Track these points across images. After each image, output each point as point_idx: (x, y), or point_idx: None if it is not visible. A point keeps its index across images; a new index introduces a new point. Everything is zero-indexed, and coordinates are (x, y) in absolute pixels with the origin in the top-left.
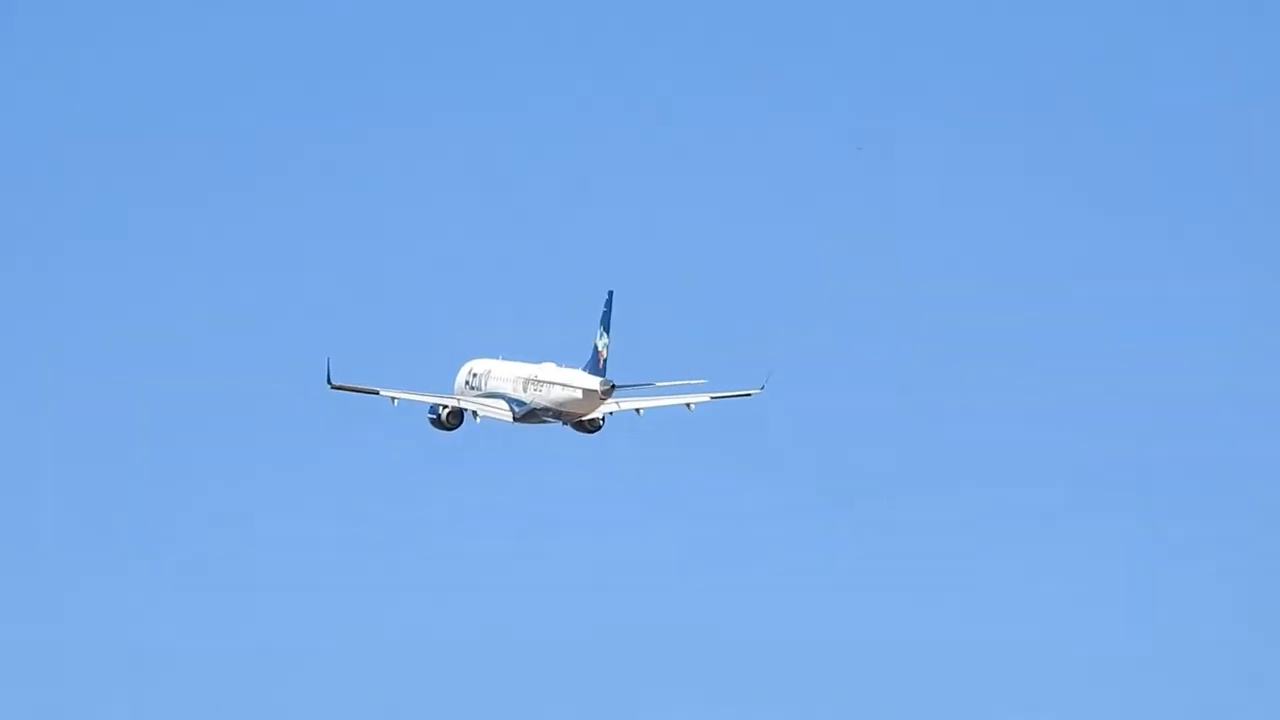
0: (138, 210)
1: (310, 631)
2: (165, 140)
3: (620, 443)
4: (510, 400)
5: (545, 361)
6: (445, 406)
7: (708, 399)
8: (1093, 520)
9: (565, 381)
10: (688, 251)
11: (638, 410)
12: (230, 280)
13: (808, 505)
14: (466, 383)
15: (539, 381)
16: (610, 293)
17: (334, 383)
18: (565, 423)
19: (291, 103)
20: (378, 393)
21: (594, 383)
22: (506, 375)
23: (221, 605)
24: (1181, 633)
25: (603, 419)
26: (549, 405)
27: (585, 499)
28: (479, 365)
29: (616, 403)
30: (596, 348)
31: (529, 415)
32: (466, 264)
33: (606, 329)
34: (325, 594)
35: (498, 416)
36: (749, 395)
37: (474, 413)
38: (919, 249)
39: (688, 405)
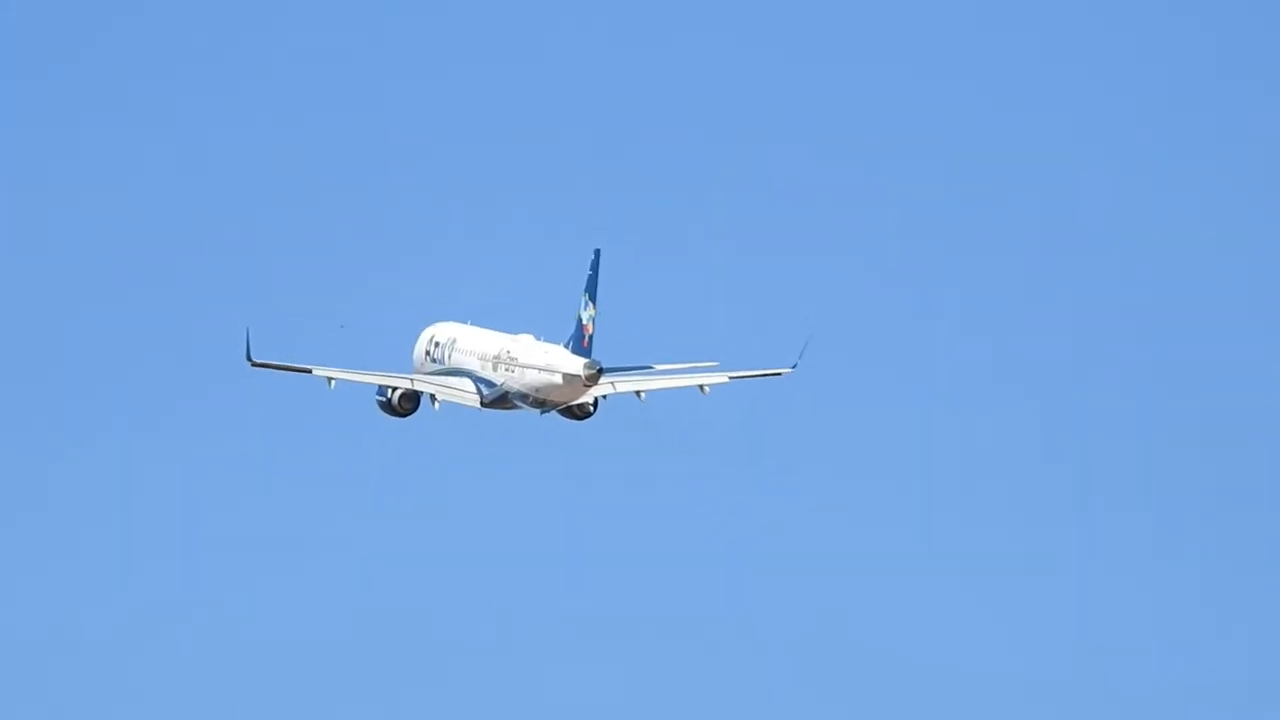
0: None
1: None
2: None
3: (613, 434)
4: (478, 380)
5: (523, 334)
6: (395, 389)
7: (726, 379)
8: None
9: (542, 363)
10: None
11: (638, 393)
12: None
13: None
14: (427, 353)
15: (512, 360)
16: (597, 251)
17: (255, 359)
18: (543, 412)
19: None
20: (310, 371)
21: (576, 365)
22: (474, 348)
23: (130, 609)
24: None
25: (594, 404)
26: (523, 390)
27: (561, 511)
28: (442, 331)
29: (612, 384)
30: (580, 320)
31: (500, 400)
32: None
33: (593, 297)
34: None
35: (461, 401)
36: (778, 375)
37: (432, 396)
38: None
39: (701, 388)
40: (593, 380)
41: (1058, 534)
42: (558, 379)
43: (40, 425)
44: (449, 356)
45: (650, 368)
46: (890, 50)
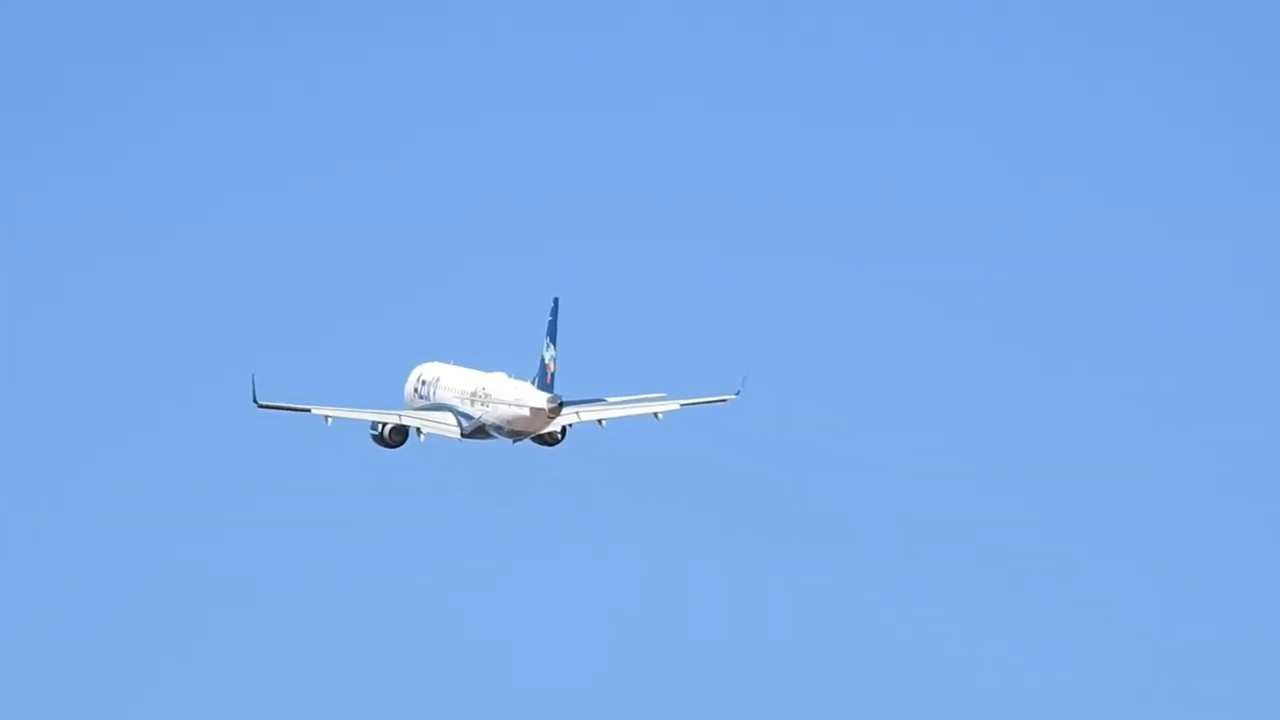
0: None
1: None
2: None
3: (579, 459)
4: (459, 414)
5: (497, 371)
6: (386, 423)
7: (678, 406)
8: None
9: (511, 399)
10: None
11: (600, 422)
12: (144, 289)
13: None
14: (415, 390)
15: (486, 396)
16: (556, 300)
17: (260, 401)
18: (515, 441)
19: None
20: (309, 411)
21: (541, 399)
22: (455, 385)
23: (145, 641)
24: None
25: (561, 432)
26: (497, 422)
27: (535, 527)
28: (429, 371)
29: (577, 414)
30: (544, 360)
31: (478, 431)
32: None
33: (553, 339)
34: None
35: (444, 433)
36: (723, 401)
37: (418, 429)
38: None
39: (656, 415)
40: (555, 412)
41: (996, 555)
42: (526, 411)
43: (71, 453)
44: (434, 393)
45: (604, 400)
46: (822, 77)
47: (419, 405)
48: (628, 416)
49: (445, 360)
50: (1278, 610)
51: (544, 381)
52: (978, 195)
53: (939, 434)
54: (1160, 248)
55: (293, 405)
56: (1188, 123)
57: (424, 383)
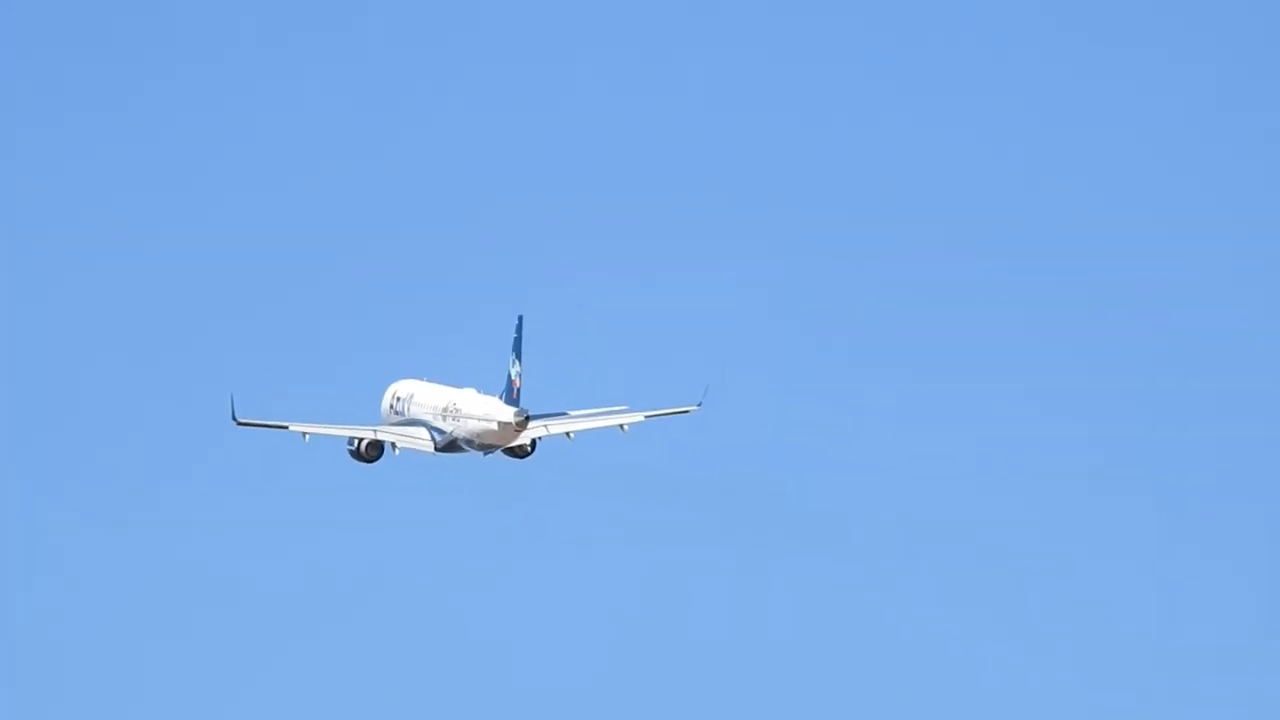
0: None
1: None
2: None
3: (547, 470)
4: (431, 429)
5: (467, 387)
6: (362, 439)
7: (642, 418)
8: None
9: (479, 414)
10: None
11: (568, 434)
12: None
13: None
14: (391, 407)
15: (457, 411)
16: (520, 318)
17: (239, 419)
18: (486, 454)
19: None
20: (287, 428)
21: (508, 413)
22: (428, 401)
23: (127, 652)
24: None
25: (531, 445)
26: (468, 436)
27: (506, 538)
28: (403, 388)
29: (545, 426)
30: (510, 375)
31: (450, 445)
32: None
33: (519, 356)
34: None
35: (418, 447)
36: (686, 412)
37: (393, 444)
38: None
39: (621, 427)
40: (522, 426)
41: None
42: (494, 425)
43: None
44: (408, 409)
45: (568, 413)
46: (822, 77)
47: (394, 421)
48: (594, 429)
49: (420, 377)
50: (1278, 610)
51: (511, 396)
52: (978, 195)
53: (936, 434)
54: (1160, 248)
55: (271, 422)
56: (1188, 123)
57: (399, 399)
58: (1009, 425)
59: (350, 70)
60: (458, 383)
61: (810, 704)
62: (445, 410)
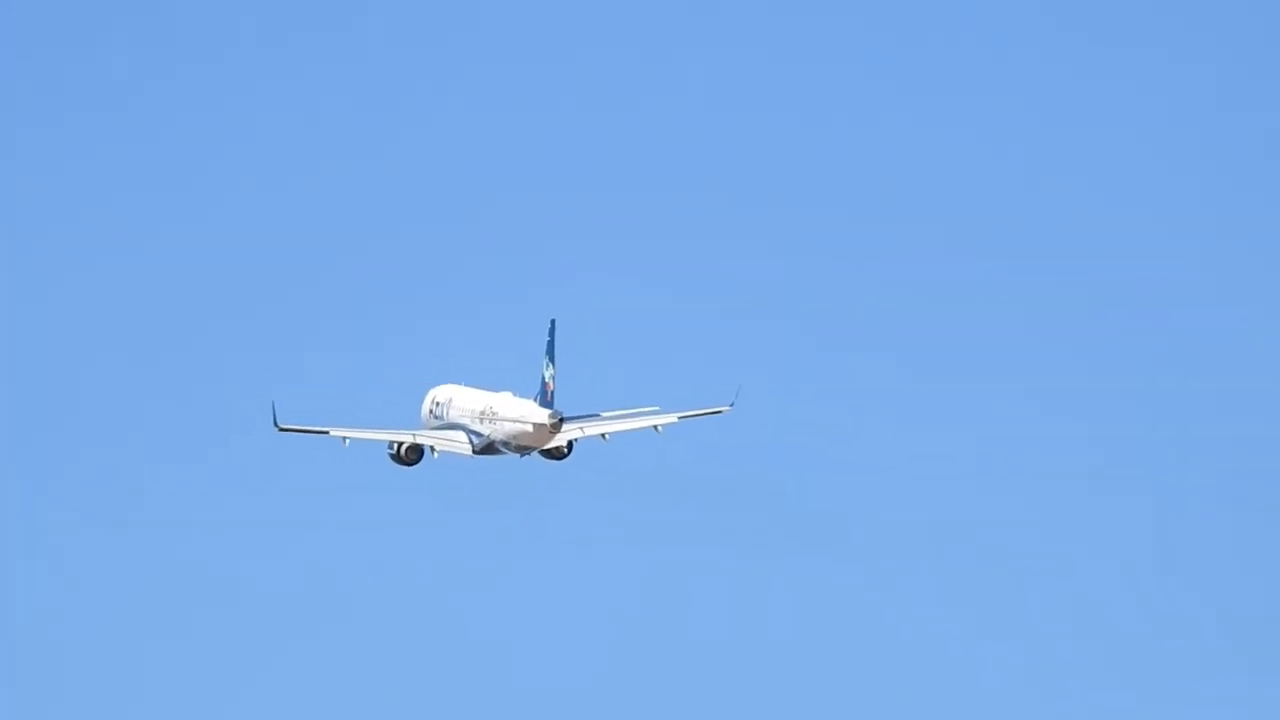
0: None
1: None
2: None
3: (584, 472)
4: (470, 432)
5: (503, 390)
6: (401, 443)
7: (675, 419)
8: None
9: (515, 416)
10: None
11: (603, 436)
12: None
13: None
14: (430, 411)
15: (494, 414)
16: (553, 321)
17: (281, 425)
18: (523, 455)
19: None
20: (328, 433)
21: (542, 415)
22: (466, 405)
23: (161, 654)
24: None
25: (568, 446)
26: (505, 438)
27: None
28: (442, 393)
29: (581, 429)
30: (544, 378)
31: (488, 448)
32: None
33: (552, 359)
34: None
35: (456, 450)
36: (719, 413)
37: (431, 447)
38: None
39: (655, 428)
40: (556, 428)
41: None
42: (529, 427)
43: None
44: (447, 413)
45: (599, 415)
46: (822, 77)
47: (434, 425)
48: (629, 430)
49: (458, 382)
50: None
51: (545, 399)
52: (978, 195)
53: (941, 435)
54: (1160, 247)
55: (312, 428)
56: (1188, 122)
57: (438, 404)
58: (1041, 427)
59: (350, 70)
60: (494, 387)
61: (843, 705)
62: (482, 413)
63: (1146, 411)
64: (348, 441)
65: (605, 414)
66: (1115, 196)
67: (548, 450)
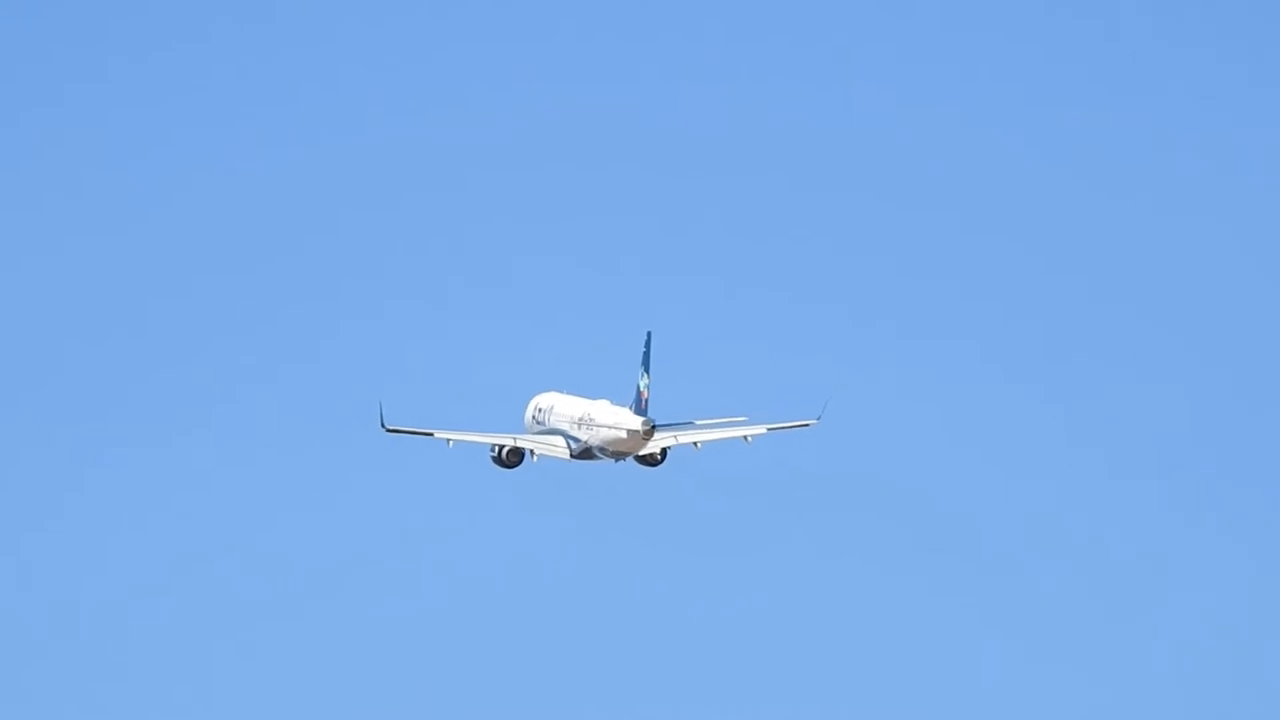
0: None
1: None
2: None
3: (677, 478)
4: (568, 437)
5: (600, 399)
6: (503, 446)
7: (764, 430)
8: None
9: (610, 422)
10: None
11: (695, 444)
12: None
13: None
14: (533, 417)
15: (591, 420)
16: (649, 333)
17: (388, 425)
18: (617, 460)
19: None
20: (432, 434)
21: (636, 422)
22: (566, 412)
23: (276, 650)
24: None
25: (662, 453)
26: (601, 444)
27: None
28: (544, 400)
29: (674, 436)
30: (639, 387)
31: (585, 452)
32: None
33: (647, 369)
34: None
35: (555, 454)
36: (805, 426)
37: (531, 451)
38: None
39: (745, 438)
40: (649, 435)
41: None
42: (623, 434)
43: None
44: (548, 419)
45: (692, 423)
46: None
47: (536, 430)
48: (720, 440)
49: (560, 390)
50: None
51: (639, 407)
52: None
53: (1053, 444)
54: (1160, 248)
55: (418, 430)
56: (1189, 121)
57: (540, 410)
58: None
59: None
60: (595, 394)
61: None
62: (580, 420)
63: (1149, 411)
64: (451, 443)
65: (699, 422)
66: (1115, 196)
67: (642, 457)
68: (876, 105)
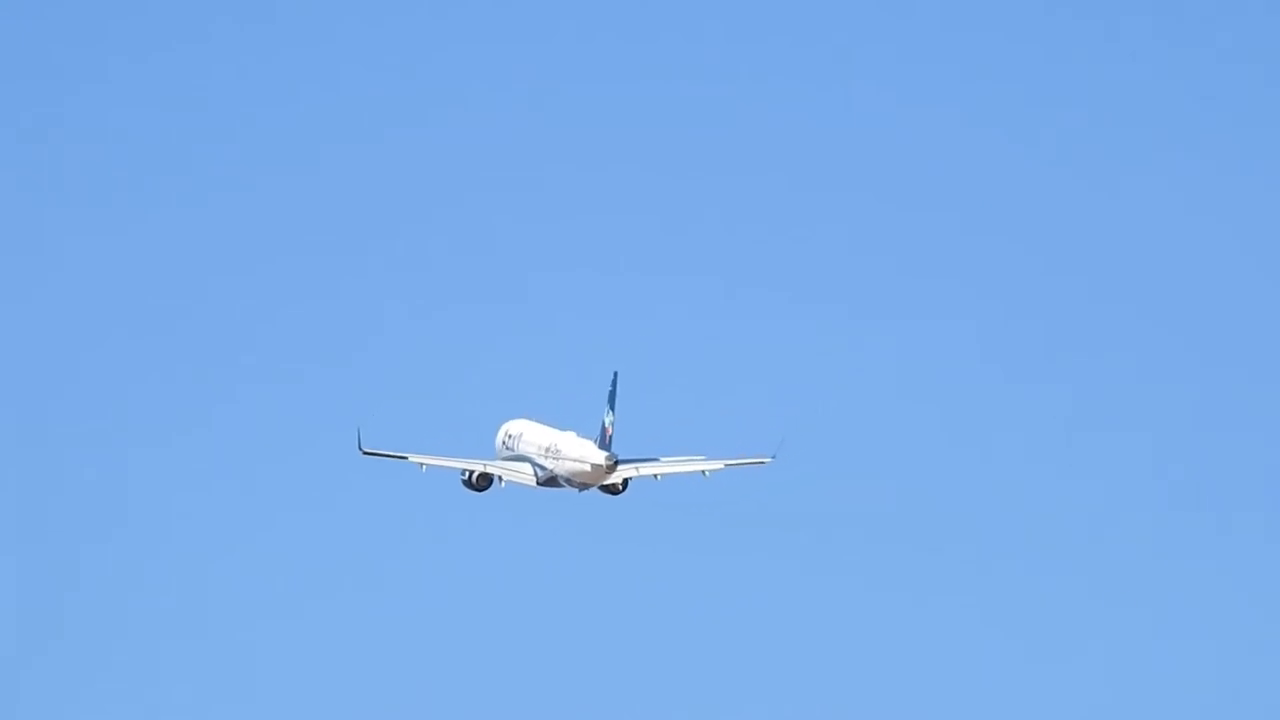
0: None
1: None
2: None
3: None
4: (535, 465)
5: (568, 430)
6: (473, 471)
7: (721, 466)
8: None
9: (576, 455)
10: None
11: (655, 476)
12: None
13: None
14: (503, 443)
15: (557, 451)
16: (615, 373)
17: (365, 449)
18: (581, 490)
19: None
20: (407, 458)
21: (599, 456)
22: (534, 440)
23: (247, 677)
24: None
25: (623, 484)
26: (566, 474)
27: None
28: (514, 427)
29: (636, 469)
30: (604, 424)
31: (551, 480)
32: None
33: (612, 407)
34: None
35: (522, 481)
36: (761, 463)
37: (499, 477)
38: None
39: (703, 473)
40: (611, 468)
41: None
42: (587, 467)
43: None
44: (517, 446)
45: (656, 458)
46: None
47: (505, 456)
48: (679, 473)
49: (530, 417)
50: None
51: (604, 441)
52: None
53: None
54: (1160, 248)
55: (393, 453)
56: (1189, 122)
57: (510, 436)
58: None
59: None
60: (564, 421)
61: None
62: (548, 450)
63: (1154, 411)
64: (425, 467)
65: (661, 458)
66: (1115, 196)
67: (605, 486)
68: (876, 105)
